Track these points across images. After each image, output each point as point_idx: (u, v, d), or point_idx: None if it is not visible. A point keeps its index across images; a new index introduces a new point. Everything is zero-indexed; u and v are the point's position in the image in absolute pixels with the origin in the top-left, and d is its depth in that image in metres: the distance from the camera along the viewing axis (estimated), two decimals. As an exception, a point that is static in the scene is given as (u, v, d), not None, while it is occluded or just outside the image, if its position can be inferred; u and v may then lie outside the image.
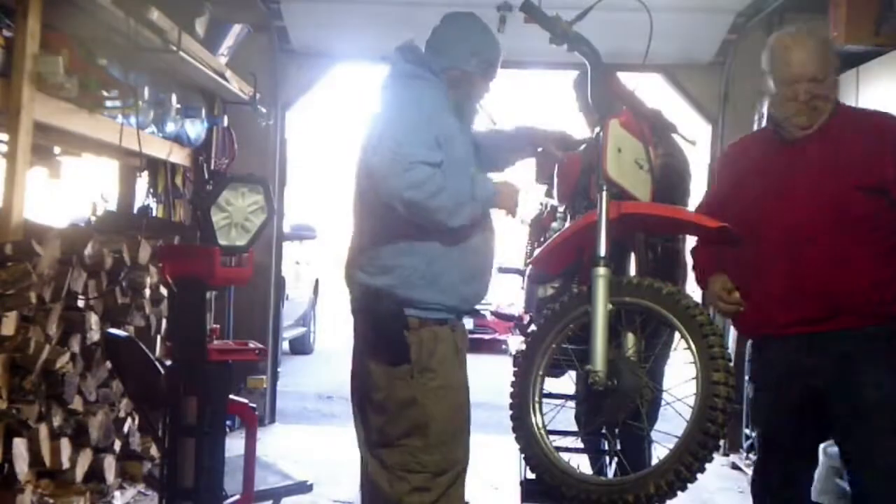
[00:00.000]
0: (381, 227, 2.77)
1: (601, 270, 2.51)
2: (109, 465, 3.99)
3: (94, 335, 3.81)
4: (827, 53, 2.74)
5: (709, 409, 2.31)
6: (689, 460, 2.31)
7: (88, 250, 3.77)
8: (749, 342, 5.30)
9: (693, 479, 2.36)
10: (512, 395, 2.74)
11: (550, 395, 2.86)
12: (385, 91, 2.89)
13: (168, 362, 2.78)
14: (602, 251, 2.52)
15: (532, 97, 11.64)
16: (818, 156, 2.69)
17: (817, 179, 2.67)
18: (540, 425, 2.64)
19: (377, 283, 2.77)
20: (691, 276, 3.57)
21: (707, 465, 2.37)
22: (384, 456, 2.77)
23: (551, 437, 2.66)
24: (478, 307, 3.08)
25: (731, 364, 2.37)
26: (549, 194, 3.57)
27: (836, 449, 4.44)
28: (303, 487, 3.28)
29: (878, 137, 2.70)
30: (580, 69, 3.29)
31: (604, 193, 2.56)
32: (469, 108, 2.93)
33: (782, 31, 2.98)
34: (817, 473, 4.53)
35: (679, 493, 2.38)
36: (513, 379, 2.75)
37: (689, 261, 3.69)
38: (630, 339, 2.56)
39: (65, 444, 3.58)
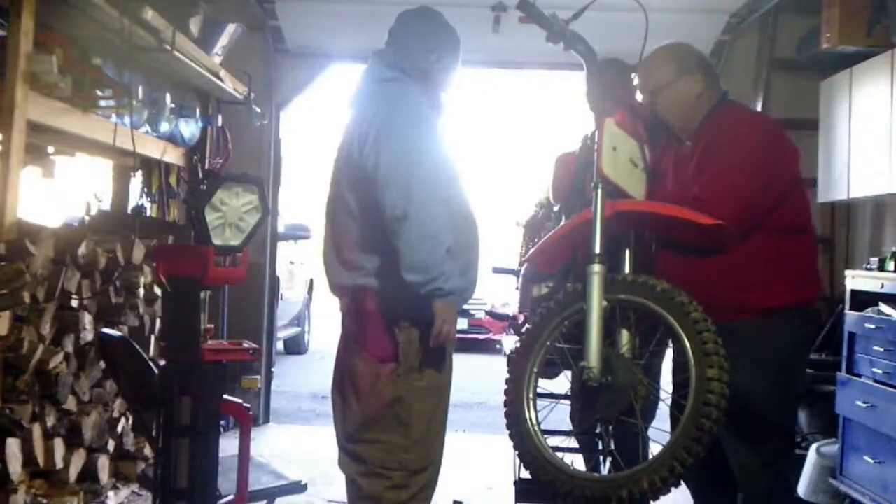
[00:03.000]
0: (370, 230, 2.75)
1: (596, 267, 2.52)
2: (103, 465, 3.97)
3: (88, 335, 3.80)
4: (662, 63, 2.79)
5: (702, 406, 2.32)
6: (683, 456, 2.32)
7: (82, 250, 3.76)
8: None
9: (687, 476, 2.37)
10: (506, 392, 2.73)
11: (545, 395, 2.85)
12: (375, 97, 2.80)
13: (162, 362, 2.77)
14: (597, 248, 2.53)
15: (530, 97, 11.66)
16: (689, 153, 2.77)
17: (685, 177, 2.73)
18: (534, 421, 2.65)
19: (367, 283, 2.76)
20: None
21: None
22: (361, 451, 2.78)
23: (545, 434, 2.67)
24: (467, 306, 3.06)
25: (726, 360, 2.37)
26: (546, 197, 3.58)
27: (829, 448, 4.47)
28: (297, 487, 3.26)
29: (726, 137, 2.71)
30: (575, 69, 3.30)
31: (599, 191, 2.57)
32: (438, 105, 2.90)
33: None
34: (810, 473, 4.54)
35: (673, 488, 2.39)
36: (507, 375, 2.76)
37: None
38: (625, 335, 2.57)
39: (58, 444, 3.57)
